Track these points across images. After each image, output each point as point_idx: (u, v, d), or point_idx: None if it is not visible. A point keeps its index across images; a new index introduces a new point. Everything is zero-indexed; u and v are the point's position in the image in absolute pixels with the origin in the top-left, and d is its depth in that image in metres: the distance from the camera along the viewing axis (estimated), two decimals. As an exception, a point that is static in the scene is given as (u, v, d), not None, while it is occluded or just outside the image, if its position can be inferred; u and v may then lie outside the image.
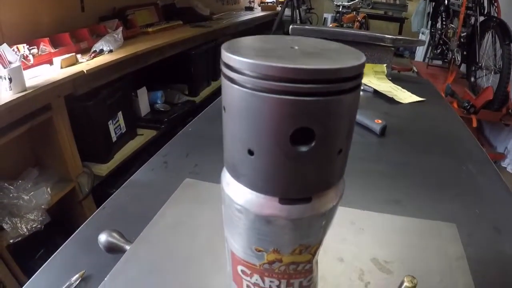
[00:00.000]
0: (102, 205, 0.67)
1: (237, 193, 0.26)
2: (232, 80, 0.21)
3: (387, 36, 1.35)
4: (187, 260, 0.47)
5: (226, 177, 0.27)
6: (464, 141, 0.98)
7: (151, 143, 2.24)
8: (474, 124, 2.94)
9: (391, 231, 0.55)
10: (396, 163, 0.84)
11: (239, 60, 0.20)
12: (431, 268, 0.49)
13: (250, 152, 0.23)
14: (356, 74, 0.21)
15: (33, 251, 1.63)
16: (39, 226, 1.53)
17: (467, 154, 0.90)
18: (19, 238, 1.47)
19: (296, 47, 0.23)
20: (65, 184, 1.70)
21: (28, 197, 1.53)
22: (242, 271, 0.31)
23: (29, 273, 1.54)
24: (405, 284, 0.33)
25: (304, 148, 0.22)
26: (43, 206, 1.55)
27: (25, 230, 1.48)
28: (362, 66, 0.21)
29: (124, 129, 1.99)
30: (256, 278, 0.30)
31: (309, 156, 0.22)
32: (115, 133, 1.92)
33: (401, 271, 0.47)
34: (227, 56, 0.21)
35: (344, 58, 0.21)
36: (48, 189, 1.60)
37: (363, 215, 0.58)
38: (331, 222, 0.29)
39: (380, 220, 0.58)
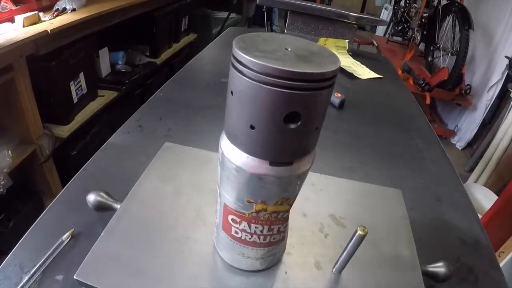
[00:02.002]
0: (83, 166, 0.69)
1: (236, 157, 0.34)
2: (242, 73, 0.29)
3: (351, 13, 1.42)
4: (174, 215, 0.53)
5: (226, 144, 0.35)
6: (416, 118, 1.08)
7: (112, 104, 2.23)
8: (428, 102, 3.11)
9: (345, 192, 0.64)
10: (352, 134, 0.93)
11: (249, 59, 0.28)
12: (379, 224, 0.58)
13: (252, 127, 0.31)
14: (333, 75, 0.29)
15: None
16: (1, 190, 1.50)
17: (417, 130, 1.00)
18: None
19: (289, 49, 0.31)
20: (26, 147, 1.67)
21: (-12, 161, 1.48)
22: (232, 219, 0.39)
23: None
24: (358, 232, 0.42)
25: (293, 126, 0.30)
26: (5, 170, 1.52)
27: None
28: (337, 69, 0.29)
29: (85, 90, 1.97)
30: (244, 225, 0.39)
31: (295, 132, 0.31)
32: (76, 94, 1.90)
33: (353, 225, 0.56)
34: (239, 54, 0.29)
35: (325, 62, 0.29)
36: (9, 152, 1.56)
37: (321, 178, 0.66)
38: (304, 180, 0.37)
39: (336, 183, 0.66)
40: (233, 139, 0.34)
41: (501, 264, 1.55)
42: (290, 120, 0.30)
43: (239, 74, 0.29)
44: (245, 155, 0.33)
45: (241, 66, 0.28)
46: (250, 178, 0.34)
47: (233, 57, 0.29)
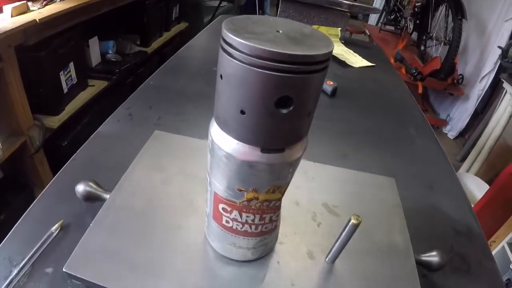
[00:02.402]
0: (73, 156, 0.69)
1: (226, 143, 0.33)
2: (231, 55, 0.27)
3: (344, 1, 1.41)
4: (164, 205, 0.53)
5: (216, 131, 0.34)
6: (409, 107, 1.08)
7: (102, 94, 2.20)
8: (420, 91, 3.11)
9: (338, 181, 0.64)
10: (344, 122, 0.93)
11: (239, 41, 0.26)
12: (372, 213, 0.57)
13: (242, 112, 0.29)
14: (326, 58, 0.27)
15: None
16: (-7, 182, 1.46)
17: (410, 119, 1.00)
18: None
19: (281, 31, 0.29)
20: (16, 138, 1.64)
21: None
22: (223, 208, 0.38)
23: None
24: (352, 221, 0.41)
25: (284, 111, 0.29)
26: (-5, 162, 1.49)
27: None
28: (330, 52, 0.28)
29: (75, 80, 1.94)
30: (235, 214, 0.38)
31: (287, 117, 0.29)
32: (67, 84, 1.87)
33: (346, 214, 0.55)
34: (228, 35, 0.27)
35: (317, 44, 0.28)
36: (0, 143, 1.54)
37: (314, 166, 0.66)
38: (296, 168, 0.36)
39: (328, 171, 0.66)
40: (223, 125, 0.32)
41: (492, 253, 1.56)
42: (281, 104, 0.28)
43: (229, 57, 0.28)
44: (235, 141, 0.32)
45: (230, 48, 0.27)
46: (241, 166, 0.33)
47: (222, 39, 0.28)
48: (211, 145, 0.35)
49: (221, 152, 0.33)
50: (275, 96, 0.28)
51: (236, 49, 0.27)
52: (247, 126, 0.30)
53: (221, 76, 0.30)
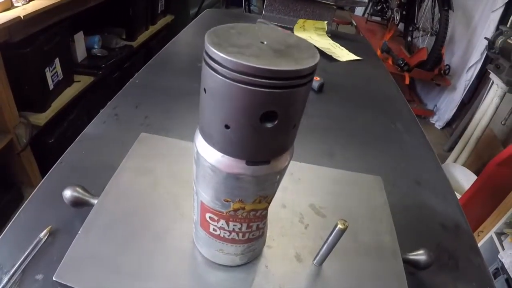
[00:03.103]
0: (59, 159, 0.68)
1: (211, 156, 0.32)
2: (215, 70, 0.27)
3: (330, -6, 1.41)
4: (152, 210, 0.52)
5: (201, 142, 0.33)
6: (395, 101, 1.08)
7: (89, 89, 2.18)
8: (407, 82, 3.13)
9: (324, 181, 0.64)
10: (331, 118, 0.93)
11: (222, 56, 0.26)
12: (359, 213, 0.58)
13: (227, 127, 0.29)
14: (311, 72, 0.27)
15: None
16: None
17: (397, 113, 1.00)
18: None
19: (265, 42, 0.29)
20: (2, 136, 1.63)
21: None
22: (210, 217, 0.38)
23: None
24: (339, 226, 0.41)
25: (269, 125, 0.29)
26: (-18, 161, 1.48)
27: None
28: (316, 65, 0.28)
29: (61, 76, 1.92)
30: (222, 223, 0.38)
31: (272, 131, 0.29)
32: (52, 81, 1.85)
33: (334, 215, 0.56)
34: (211, 50, 0.27)
35: (303, 56, 0.28)
36: None
37: (300, 167, 0.66)
38: (282, 177, 0.36)
39: (315, 172, 0.66)
40: (207, 138, 0.32)
41: (479, 243, 1.59)
42: (266, 119, 0.28)
43: (212, 72, 0.27)
44: (221, 154, 0.32)
45: (214, 63, 0.27)
46: (226, 178, 0.32)
47: (205, 53, 0.28)
48: (196, 156, 0.34)
49: (207, 164, 0.33)
50: (260, 111, 0.27)
51: (220, 64, 0.26)
52: (232, 140, 0.30)
53: (204, 90, 0.29)
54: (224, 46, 0.27)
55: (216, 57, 0.26)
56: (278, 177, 0.35)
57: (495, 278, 1.50)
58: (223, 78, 0.27)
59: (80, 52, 2.24)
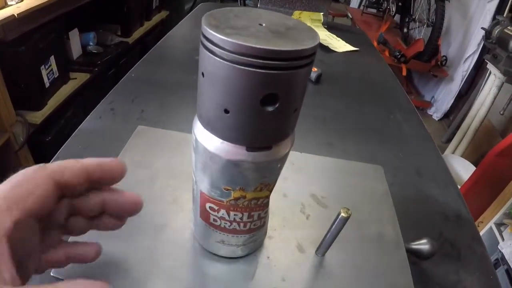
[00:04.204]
0: (55, 155, 0.67)
1: (211, 143, 0.31)
2: (213, 53, 0.26)
3: (325, -14, 1.40)
4: (149, 202, 0.52)
5: (199, 129, 0.32)
6: (393, 91, 1.07)
7: (85, 86, 2.17)
8: (404, 73, 3.12)
9: (325, 171, 0.63)
10: (329, 109, 0.92)
11: (220, 37, 0.25)
12: (361, 203, 0.57)
13: (226, 111, 0.28)
14: (312, 52, 0.26)
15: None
16: (-23, 182, 1.46)
17: (395, 103, 1.00)
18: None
19: (264, 24, 0.28)
20: (-1, 136, 1.63)
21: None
22: (210, 207, 0.37)
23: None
24: (342, 214, 0.40)
25: (270, 108, 0.28)
26: (-21, 161, 1.47)
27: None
28: (316, 46, 0.27)
29: (56, 74, 1.91)
30: (222, 212, 0.37)
31: (273, 114, 0.28)
32: (48, 79, 1.83)
33: (335, 205, 0.55)
34: (208, 31, 0.26)
35: (302, 37, 0.27)
36: None
37: (301, 157, 0.65)
38: (284, 164, 0.35)
39: (316, 161, 0.65)
40: (206, 124, 0.31)
41: (480, 234, 1.59)
42: (267, 102, 0.27)
43: (210, 54, 0.26)
44: (220, 140, 0.31)
45: (211, 45, 0.26)
46: (226, 165, 0.32)
47: (202, 36, 0.27)
48: (195, 144, 0.33)
49: (206, 152, 0.32)
50: (260, 94, 0.26)
51: (218, 46, 0.25)
52: (232, 125, 0.29)
53: (202, 74, 0.28)
54: (222, 28, 0.26)
55: (213, 38, 0.26)
56: (279, 164, 0.34)
57: (495, 269, 1.50)
58: (221, 60, 0.26)
59: (76, 49, 2.22)
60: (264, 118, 0.28)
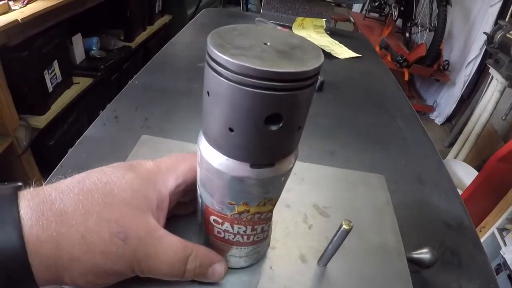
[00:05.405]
0: (60, 163, 0.68)
1: (216, 159, 0.32)
2: (218, 73, 0.27)
3: (329, -8, 1.41)
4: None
5: (204, 145, 0.33)
6: (395, 97, 1.08)
7: (88, 91, 2.18)
8: (406, 78, 3.13)
9: (327, 180, 0.64)
10: (332, 117, 0.92)
11: (226, 59, 0.26)
12: (363, 212, 0.57)
13: (231, 130, 0.29)
14: (316, 73, 0.27)
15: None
16: (-20, 185, 1.46)
17: (397, 110, 1.00)
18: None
19: (269, 43, 0.29)
20: (2, 140, 1.63)
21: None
22: (214, 220, 0.38)
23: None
24: (344, 227, 0.41)
25: (274, 127, 0.28)
26: (-18, 165, 1.48)
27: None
28: (320, 66, 0.27)
29: (60, 78, 1.92)
30: (226, 225, 0.37)
31: (277, 133, 0.29)
32: (51, 83, 1.85)
33: (338, 215, 0.56)
34: (214, 52, 0.26)
35: (307, 57, 0.28)
36: None
37: (303, 166, 0.65)
38: (287, 180, 0.36)
39: (318, 171, 0.66)
40: (211, 141, 0.32)
41: (481, 240, 1.59)
42: (271, 121, 0.28)
43: (215, 74, 0.27)
44: (225, 157, 0.31)
45: (217, 66, 0.26)
46: (231, 181, 0.32)
47: (208, 56, 0.27)
48: (200, 159, 0.34)
49: (211, 167, 0.32)
50: (265, 114, 0.27)
51: (223, 67, 0.26)
52: (236, 143, 0.29)
53: (208, 93, 0.29)
54: (227, 48, 0.27)
55: (219, 59, 0.26)
56: (283, 179, 0.34)
57: (497, 274, 1.50)
58: (226, 81, 0.26)
59: (79, 54, 2.24)
60: (268, 137, 0.29)
